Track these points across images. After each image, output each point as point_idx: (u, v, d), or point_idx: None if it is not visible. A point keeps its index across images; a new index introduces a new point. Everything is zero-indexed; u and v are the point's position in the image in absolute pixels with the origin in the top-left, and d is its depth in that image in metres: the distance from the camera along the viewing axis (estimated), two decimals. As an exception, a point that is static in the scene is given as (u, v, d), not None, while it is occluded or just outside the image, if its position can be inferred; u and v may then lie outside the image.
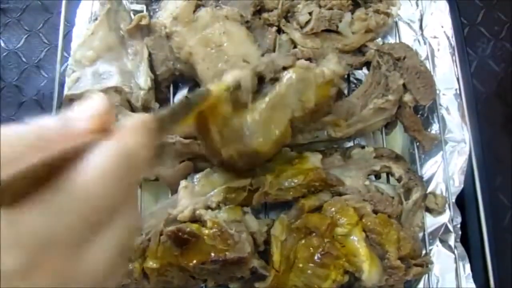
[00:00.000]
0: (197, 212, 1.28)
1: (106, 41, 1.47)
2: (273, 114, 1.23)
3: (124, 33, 1.51)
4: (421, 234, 1.42)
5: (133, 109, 1.42)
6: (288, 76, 1.26)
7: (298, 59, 1.32)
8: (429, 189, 1.46)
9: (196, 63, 1.45)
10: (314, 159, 1.36)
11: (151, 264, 1.26)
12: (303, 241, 1.27)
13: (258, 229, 1.30)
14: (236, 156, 1.22)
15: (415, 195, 1.38)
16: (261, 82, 1.28)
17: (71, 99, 1.39)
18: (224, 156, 1.22)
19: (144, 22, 1.51)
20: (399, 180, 1.40)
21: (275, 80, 1.27)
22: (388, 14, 1.54)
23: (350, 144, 1.52)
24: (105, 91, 1.38)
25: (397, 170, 1.40)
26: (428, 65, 1.55)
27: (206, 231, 1.24)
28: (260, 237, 1.30)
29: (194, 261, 1.22)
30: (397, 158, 1.43)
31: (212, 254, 1.21)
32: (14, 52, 1.89)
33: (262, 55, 1.47)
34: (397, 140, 1.61)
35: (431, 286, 1.39)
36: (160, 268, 1.26)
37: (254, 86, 1.25)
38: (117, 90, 1.40)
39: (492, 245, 1.43)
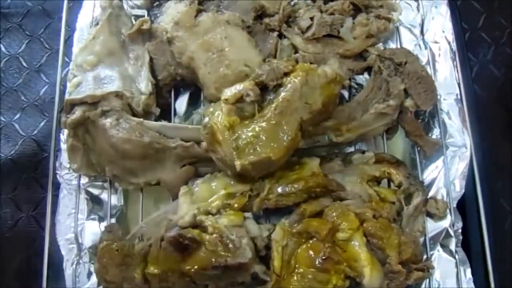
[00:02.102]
0: (198, 217, 1.28)
1: (107, 45, 1.47)
2: (282, 120, 1.24)
3: (125, 38, 1.51)
4: (422, 239, 1.42)
5: (134, 113, 1.42)
6: (292, 81, 1.26)
7: (298, 63, 1.33)
8: (430, 194, 1.46)
9: (197, 68, 1.46)
10: (314, 165, 1.36)
11: (152, 269, 1.26)
12: (304, 246, 1.27)
13: (259, 234, 1.30)
14: (249, 167, 1.23)
15: (416, 200, 1.38)
16: (264, 90, 1.29)
17: (72, 104, 1.39)
18: (238, 169, 1.22)
19: (145, 26, 1.51)
20: (399, 186, 1.39)
21: (278, 86, 1.28)
22: (389, 19, 1.55)
23: (351, 149, 1.52)
24: (106, 95, 1.38)
25: (397, 177, 1.39)
26: (429, 70, 1.55)
27: (207, 237, 1.25)
28: (261, 242, 1.30)
29: (196, 267, 1.22)
30: (398, 163, 1.43)
31: (213, 260, 1.21)
32: (15, 57, 1.89)
33: (264, 60, 1.47)
34: (398, 145, 1.61)
35: (432, 291, 1.40)
36: (161, 274, 1.26)
37: (258, 96, 1.27)
38: (118, 95, 1.40)
39: (493, 250, 1.43)
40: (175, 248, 1.24)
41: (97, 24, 1.52)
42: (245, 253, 1.23)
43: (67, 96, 1.46)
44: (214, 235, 1.24)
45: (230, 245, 1.23)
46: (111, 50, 1.47)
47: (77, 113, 1.37)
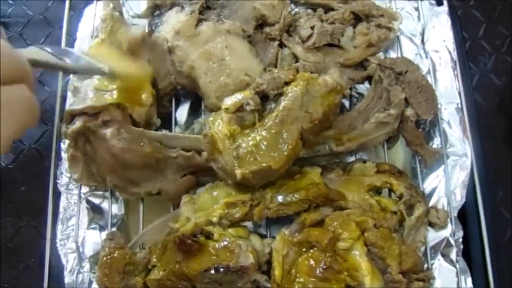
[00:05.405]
0: (205, 228, 1.29)
1: (108, 57, 1.47)
2: (283, 129, 1.24)
3: (126, 50, 1.51)
4: (422, 248, 1.42)
5: (135, 124, 1.42)
6: (292, 91, 1.27)
7: (298, 72, 1.33)
8: (431, 203, 1.46)
9: (198, 77, 1.46)
10: (314, 174, 1.36)
11: (154, 274, 1.27)
12: (304, 255, 1.27)
13: (261, 249, 1.30)
14: (250, 176, 1.23)
15: (418, 211, 1.38)
16: (265, 99, 1.29)
17: (72, 114, 1.39)
18: (238, 177, 1.22)
19: (146, 33, 1.52)
20: (400, 197, 1.39)
21: (279, 95, 1.28)
22: (389, 28, 1.55)
23: (352, 158, 1.53)
24: (107, 106, 1.38)
25: (399, 187, 1.39)
26: (430, 79, 1.55)
27: (212, 243, 1.26)
28: (262, 257, 1.30)
29: (198, 268, 1.22)
30: (399, 173, 1.43)
31: (216, 262, 1.22)
32: (16, 66, 1.90)
33: (264, 69, 1.47)
34: (399, 154, 1.61)
35: (433, 300, 1.40)
36: (162, 279, 1.26)
37: (258, 105, 1.27)
38: (119, 106, 1.40)
39: (494, 259, 1.43)
40: (179, 248, 1.24)
41: (97, 36, 1.52)
42: (248, 258, 1.23)
43: (67, 107, 1.46)
44: (222, 241, 1.26)
45: (236, 250, 1.24)
46: (111, 62, 1.47)
47: (78, 123, 1.36)
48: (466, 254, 1.44)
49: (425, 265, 1.40)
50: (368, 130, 1.43)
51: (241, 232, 1.31)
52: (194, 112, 1.63)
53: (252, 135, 1.25)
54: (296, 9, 1.63)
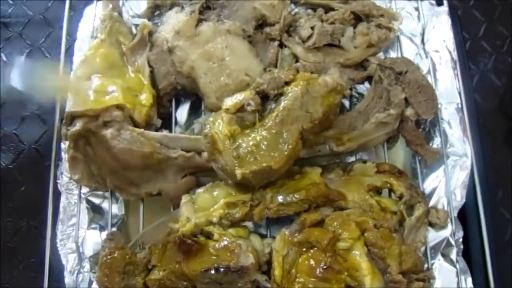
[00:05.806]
0: (205, 228, 1.29)
1: (108, 58, 1.47)
2: (283, 129, 1.24)
3: (125, 49, 1.51)
4: (423, 248, 1.42)
5: (136, 125, 1.42)
6: (292, 91, 1.26)
7: (298, 72, 1.33)
8: (431, 204, 1.46)
9: (198, 77, 1.46)
10: (315, 174, 1.36)
11: (154, 274, 1.27)
12: (304, 255, 1.26)
13: (261, 249, 1.30)
14: (250, 176, 1.23)
15: (418, 211, 1.37)
16: (265, 99, 1.29)
17: (73, 116, 1.39)
18: (239, 178, 1.22)
19: (146, 31, 1.52)
20: (400, 197, 1.39)
21: (279, 95, 1.28)
22: (390, 29, 1.55)
23: (352, 158, 1.53)
24: (107, 108, 1.38)
25: (399, 188, 1.39)
26: (430, 79, 1.55)
27: (212, 243, 1.25)
28: (262, 257, 1.30)
29: (198, 268, 1.22)
30: (399, 173, 1.43)
31: (216, 262, 1.22)
32: (16, 66, 1.90)
33: (264, 69, 1.47)
34: (399, 154, 1.61)
35: (433, 300, 1.40)
36: (162, 279, 1.26)
37: (258, 105, 1.27)
38: (119, 107, 1.40)
39: (494, 259, 1.43)
40: (179, 249, 1.25)
41: (97, 36, 1.52)
42: (248, 258, 1.23)
43: (68, 108, 1.46)
44: (222, 241, 1.26)
45: (236, 250, 1.24)
46: (111, 63, 1.47)
47: (78, 125, 1.37)
48: (466, 254, 1.44)
49: (425, 265, 1.40)
50: (368, 130, 1.43)
51: (241, 232, 1.31)
52: (194, 112, 1.63)
53: (252, 135, 1.25)
54: (296, 9, 1.63)
